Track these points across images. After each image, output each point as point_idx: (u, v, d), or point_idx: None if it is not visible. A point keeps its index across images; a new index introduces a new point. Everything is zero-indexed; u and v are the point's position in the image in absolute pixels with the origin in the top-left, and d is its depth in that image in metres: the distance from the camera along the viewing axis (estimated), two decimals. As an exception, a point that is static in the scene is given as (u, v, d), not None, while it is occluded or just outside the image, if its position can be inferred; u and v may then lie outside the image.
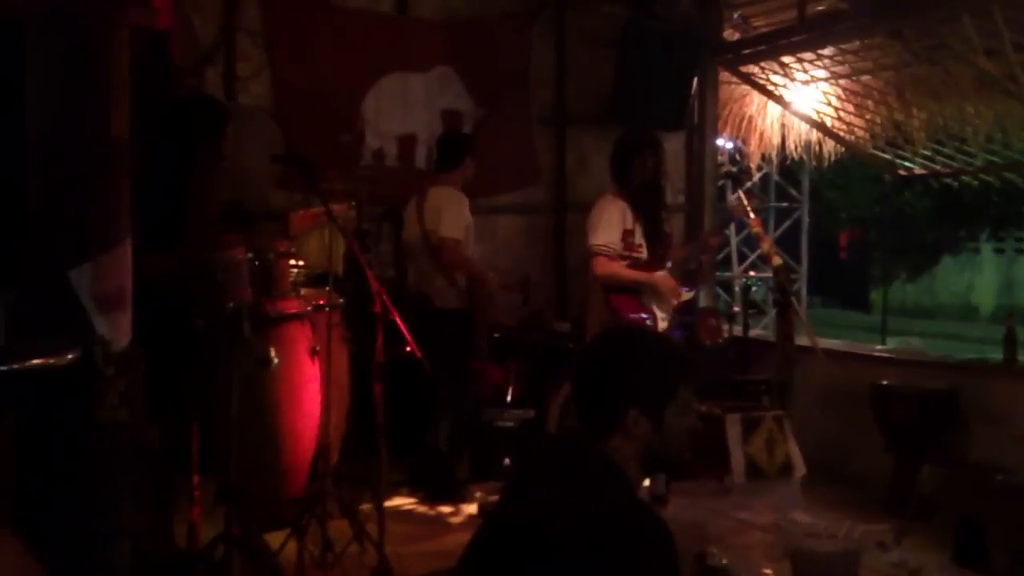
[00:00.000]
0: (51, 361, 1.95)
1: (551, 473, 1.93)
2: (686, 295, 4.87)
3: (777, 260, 5.52)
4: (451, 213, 4.97)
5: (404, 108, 6.20)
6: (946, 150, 6.48)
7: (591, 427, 1.97)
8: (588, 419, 1.99)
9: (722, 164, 7.57)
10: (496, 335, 5.86)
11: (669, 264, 4.82)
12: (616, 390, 1.95)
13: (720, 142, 7.31)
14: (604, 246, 4.65)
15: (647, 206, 4.76)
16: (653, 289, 4.70)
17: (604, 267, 4.65)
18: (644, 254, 4.73)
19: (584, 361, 2.08)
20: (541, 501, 1.86)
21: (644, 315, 4.67)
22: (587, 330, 4.96)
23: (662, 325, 4.72)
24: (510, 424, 5.47)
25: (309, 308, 4.25)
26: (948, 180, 7.01)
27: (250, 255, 3.73)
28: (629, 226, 4.69)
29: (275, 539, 3.81)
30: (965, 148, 6.33)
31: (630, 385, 1.94)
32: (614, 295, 4.68)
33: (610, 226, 4.66)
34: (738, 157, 8.13)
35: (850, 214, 20.12)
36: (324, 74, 5.93)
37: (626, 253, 4.69)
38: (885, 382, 5.23)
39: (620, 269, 4.67)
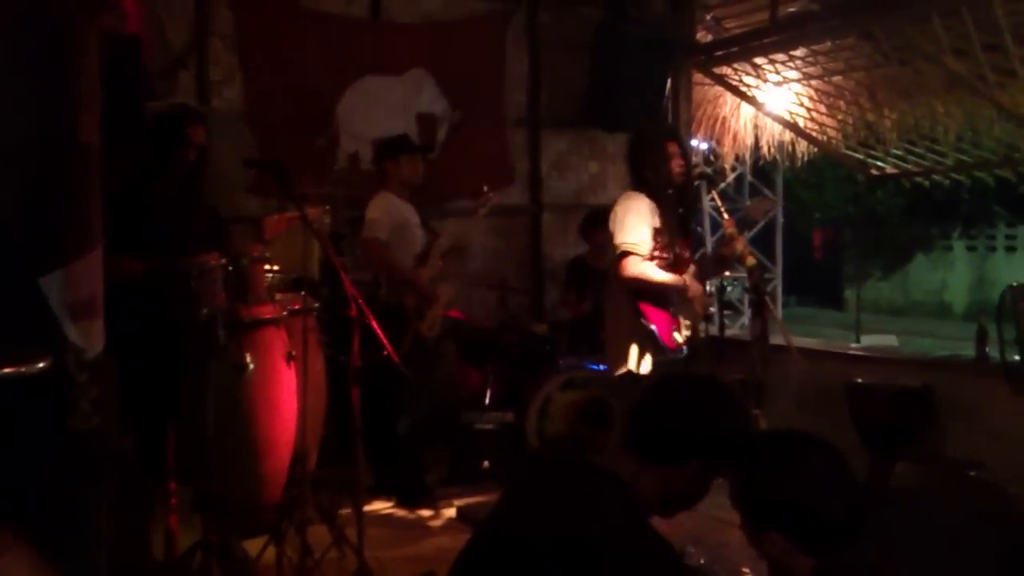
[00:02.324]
0: (22, 369, 1.93)
1: (557, 491, 1.90)
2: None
3: (751, 260, 5.55)
4: (369, 216, 5.01)
5: (379, 111, 6.19)
6: (917, 149, 6.54)
7: (639, 449, 1.94)
8: (639, 443, 1.96)
9: (696, 165, 7.61)
10: (473, 337, 5.85)
11: (693, 269, 4.36)
12: (693, 441, 1.93)
13: (694, 143, 7.34)
14: (636, 244, 4.15)
15: (666, 205, 4.29)
16: (682, 294, 4.24)
17: (635, 268, 4.15)
18: (670, 256, 4.23)
19: (666, 395, 2.03)
20: (547, 520, 1.82)
21: (673, 327, 4.24)
22: (607, 336, 4.51)
23: (686, 334, 4.31)
24: (488, 426, 5.47)
25: (284, 313, 4.22)
26: (920, 179, 7.07)
27: (224, 260, 3.71)
28: (657, 224, 4.21)
29: (254, 546, 3.79)
30: (936, 147, 6.39)
31: (710, 445, 1.93)
32: (644, 302, 4.20)
33: (641, 223, 4.17)
34: (712, 158, 8.16)
35: (823, 214, 20.24)
36: (297, 78, 5.91)
37: (656, 253, 4.19)
38: (860, 380, 5.26)
39: (652, 270, 4.17)
